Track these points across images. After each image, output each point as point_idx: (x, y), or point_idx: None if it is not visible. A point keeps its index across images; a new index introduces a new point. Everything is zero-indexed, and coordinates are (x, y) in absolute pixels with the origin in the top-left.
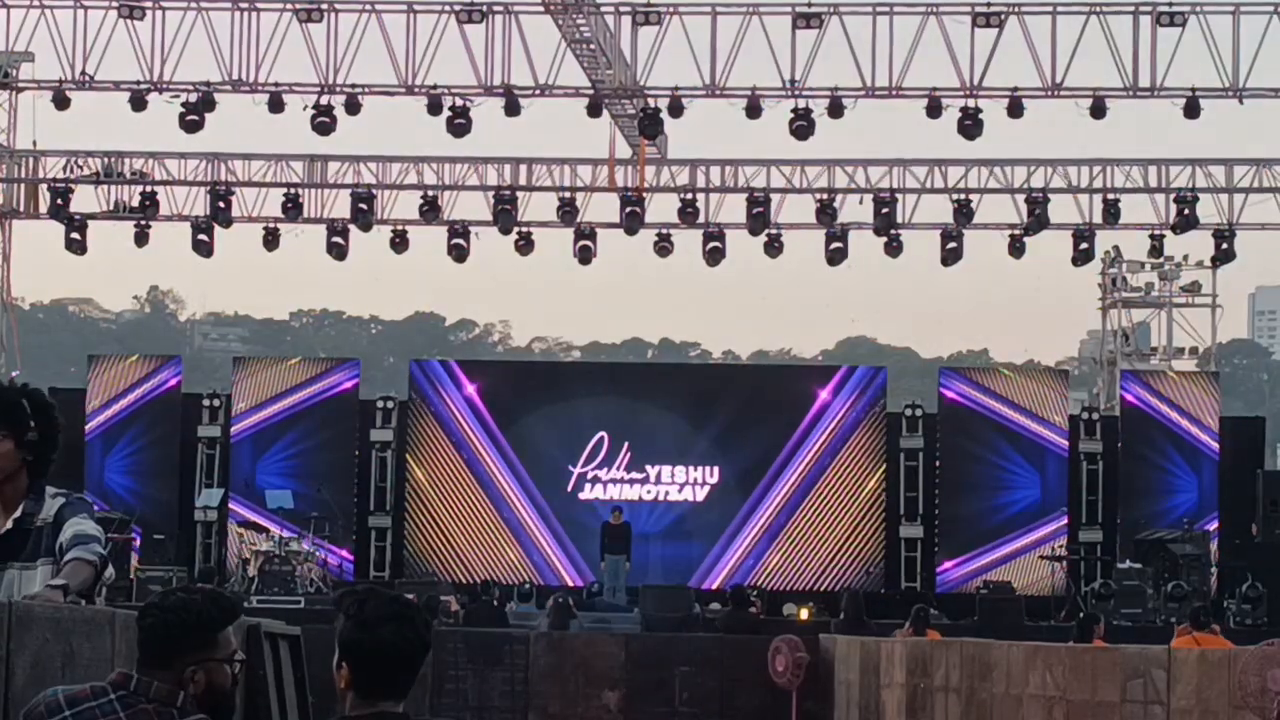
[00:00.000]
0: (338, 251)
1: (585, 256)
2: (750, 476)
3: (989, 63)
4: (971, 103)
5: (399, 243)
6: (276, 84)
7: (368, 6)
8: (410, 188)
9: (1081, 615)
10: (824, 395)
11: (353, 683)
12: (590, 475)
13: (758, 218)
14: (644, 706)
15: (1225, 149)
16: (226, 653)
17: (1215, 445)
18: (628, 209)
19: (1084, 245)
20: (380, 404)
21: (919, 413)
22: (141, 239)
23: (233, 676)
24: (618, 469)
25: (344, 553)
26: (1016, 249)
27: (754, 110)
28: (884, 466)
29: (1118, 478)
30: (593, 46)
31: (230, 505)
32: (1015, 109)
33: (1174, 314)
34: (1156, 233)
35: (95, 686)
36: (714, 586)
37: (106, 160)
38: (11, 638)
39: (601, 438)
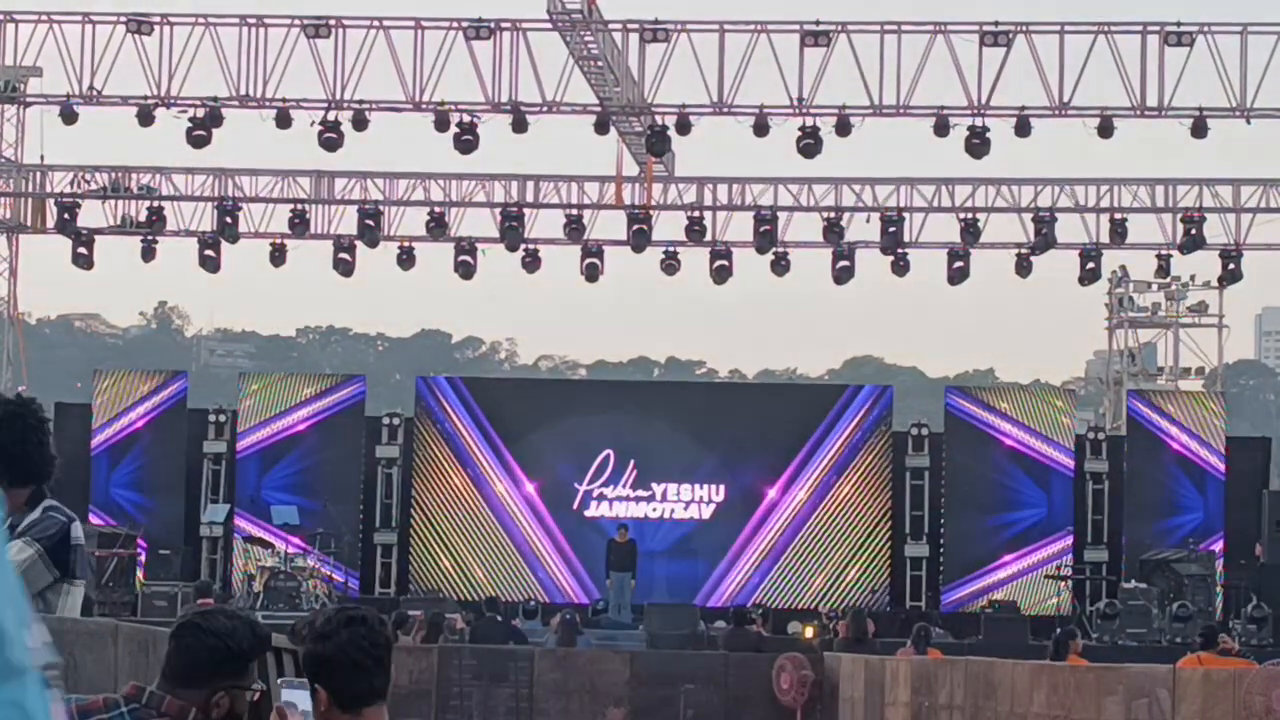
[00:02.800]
0: (344, 268)
1: (592, 274)
2: (756, 495)
3: (996, 82)
4: (979, 121)
5: (406, 259)
6: (284, 100)
7: (375, 23)
8: (417, 204)
9: (1058, 631)
10: (830, 414)
11: (332, 699)
12: (596, 493)
13: (765, 236)
14: None
15: (1232, 169)
16: (250, 680)
17: (1221, 465)
18: (635, 226)
19: (1091, 265)
20: (386, 420)
21: (925, 432)
22: (148, 254)
23: (249, 704)
24: (624, 487)
25: (349, 569)
26: (1023, 268)
27: (761, 128)
28: (890, 485)
29: (1123, 497)
30: (600, 64)
31: (236, 520)
32: (1023, 128)
33: (1180, 334)
34: (1163, 253)
35: (108, 698)
36: (719, 604)
37: (114, 175)
38: None
39: (608, 455)
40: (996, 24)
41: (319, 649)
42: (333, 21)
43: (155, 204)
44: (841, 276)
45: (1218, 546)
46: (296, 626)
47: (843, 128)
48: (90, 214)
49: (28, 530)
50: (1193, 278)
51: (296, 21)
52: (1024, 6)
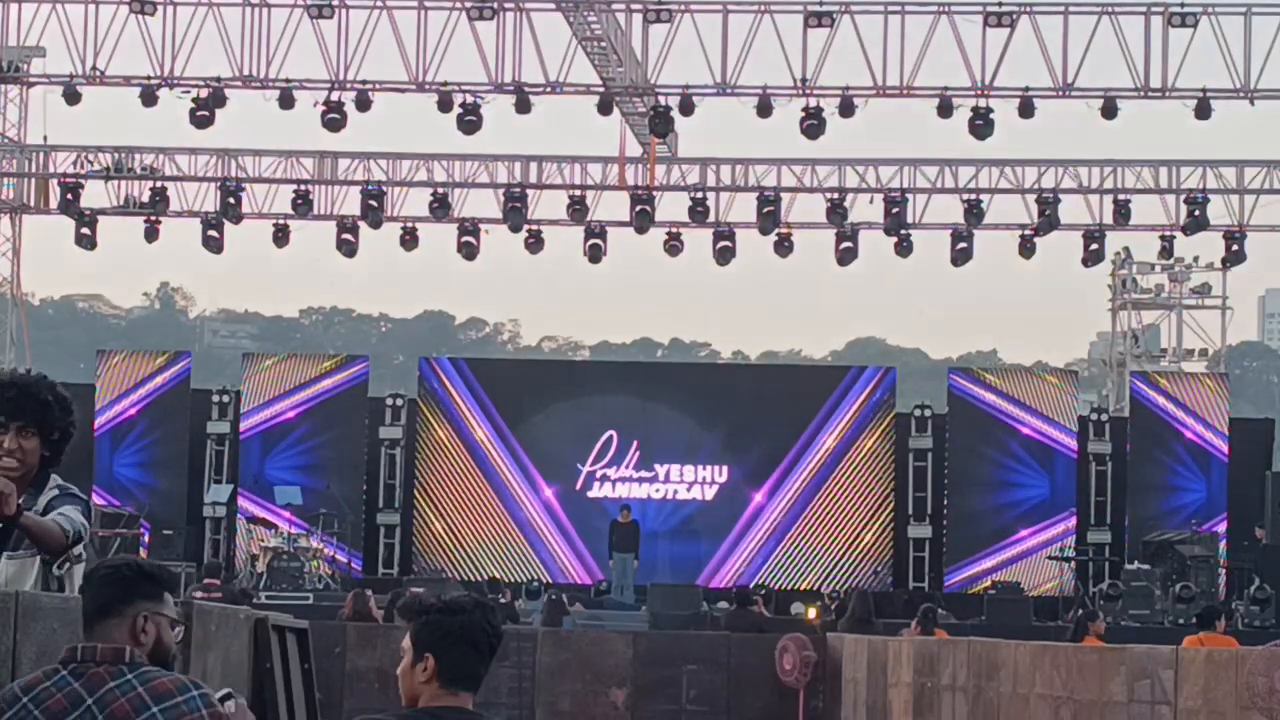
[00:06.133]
0: (347, 248)
1: (595, 255)
2: (759, 476)
3: (1000, 62)
4: (982, 102)
5: (409, 240)
6: (287, 80)
7: (379, 3)
8: (420, 185)
9: (1079, 612)
10: (833, 396)
11: (438, 673)
12: (599, 474)
13: (768, 217)
14: (651, 704)
15: (1236, 150)
16: (173, 614)
17: (1224, 447)
18: (638, 207)
19: (1094, 246)
20: (390, 401)
21: (928, 413)
22: (151, 235)
23: (175, 640)
24: (627, 468)
25: (352, 550)
26: (1027, 249)
27: (765, 109)
28: (892, 466)
29: (1126, 479)
30: (604, 44)
31: (239, 501)
32: (1026, 109)
33: (1184, 315)
34: (1167, 234)
35: (46, 669)
36: (722, 585)
37: (117, 156)
38: (18, 628)
39: (610, 436)
40: (1000, 5)
41: (447, 621)
42: (336, 2)
43: (158, 184)
44: (845, 258)
45: (1221, 528)
46: (406, 603)
47: (846, 109)
48: (93, 194)
49: (63, 503)
50: (1196, 259)
51: (300, 2)
52: None
